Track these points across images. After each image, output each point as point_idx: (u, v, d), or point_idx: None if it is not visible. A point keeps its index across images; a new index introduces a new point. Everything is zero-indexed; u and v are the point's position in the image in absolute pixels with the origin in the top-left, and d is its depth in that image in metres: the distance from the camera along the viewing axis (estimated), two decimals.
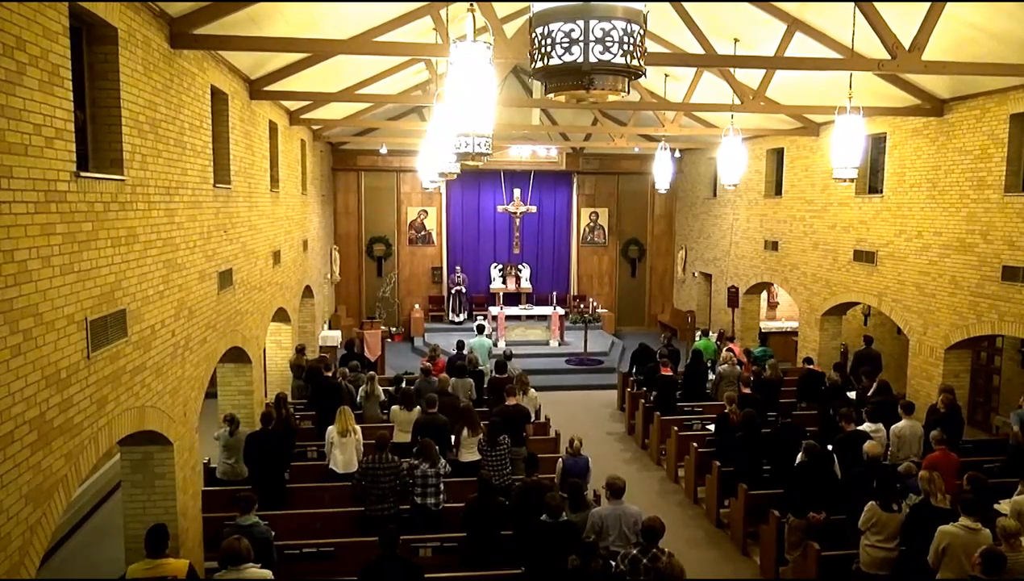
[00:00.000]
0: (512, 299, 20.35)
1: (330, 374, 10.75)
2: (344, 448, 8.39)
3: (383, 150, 19.17)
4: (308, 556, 6.98)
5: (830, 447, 8.25)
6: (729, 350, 12.94)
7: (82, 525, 9.02)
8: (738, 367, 11.93)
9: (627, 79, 2.69)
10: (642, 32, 2.65)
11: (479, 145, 6.39)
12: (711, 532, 9.10)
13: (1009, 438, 9.07)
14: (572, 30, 2.59)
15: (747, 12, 9.75)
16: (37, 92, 4.23)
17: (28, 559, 4.12)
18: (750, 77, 11.33)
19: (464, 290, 20.30)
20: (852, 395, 10.71)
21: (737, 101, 11.08)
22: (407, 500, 7.42)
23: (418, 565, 5.82)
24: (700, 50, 9.12)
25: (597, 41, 2.57)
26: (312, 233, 15.69)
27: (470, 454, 8.61)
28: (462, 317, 20.10)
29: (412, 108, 17.50)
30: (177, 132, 6.80)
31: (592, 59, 2.58)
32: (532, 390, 10.52)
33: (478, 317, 18.70)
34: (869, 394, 10.33)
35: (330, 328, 17.55)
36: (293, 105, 12.49)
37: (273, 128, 11.51)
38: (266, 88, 9.94)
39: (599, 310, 19.92)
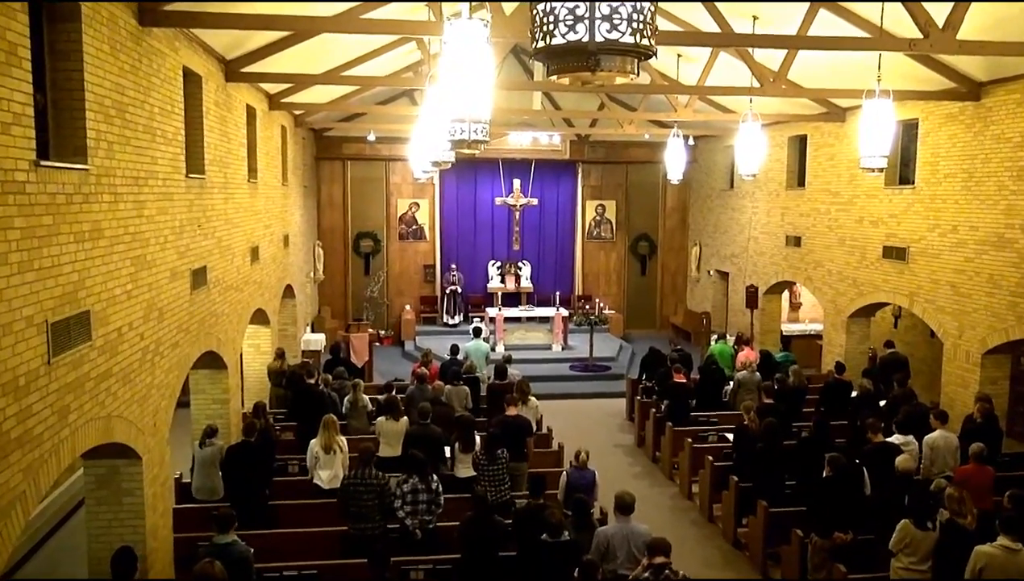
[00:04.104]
0: (511, 299, 20.35)
1: (313, 381, 10.74)
2: (328, 464, 8.38)
3: (371, 137, 19.16)
4: (289, 579, 6.97)
5: (858, 461, 8.24)
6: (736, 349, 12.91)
7: (42, 546, 9.00)
8: (757, 374, 11.93)
9: (636, 60, 2.69)
10: (652, 9, 2.65)
11: (476, 132, 6.39)
12: (728, 553, 9.10)
13: None
14: (576, 7, 2.59)
15: None
16: None
17: None
18: (770, 58, 11.33)
19: (459, 290, 20.30)
20: (883, 403, 10.70)
21: (756, 84, 11.08)
22: (394, 518, 7.41)
23: None
24: (716, 28, 9.12)
25: (604, 19, 2.57)
26: (294, 227, 15.68)
27: (467, 469, 8.60)
28: (457, 319, 20.09)
29: (403, 92, 17.49)
30: (146, 117, 6.79)
31: (598, 38, 2.58)
32: (533, 398, 10.51)
33: (475, 319, 18.70)
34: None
35: (313, 331, 17.53)
36: (273, 88, 12.48)
37: (251, 113, 11.50)
38: (243, 69, 9.93)
39: (606, 311, 19.90)
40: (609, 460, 11.83)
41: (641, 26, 2.61)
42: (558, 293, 19.52)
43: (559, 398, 15.05)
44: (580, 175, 21.60)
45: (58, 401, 5.04)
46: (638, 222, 22.07)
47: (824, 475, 7.64)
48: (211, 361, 9.52)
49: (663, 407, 11.91)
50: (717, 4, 9.19)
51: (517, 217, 20.98)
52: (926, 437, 8.71)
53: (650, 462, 12.13)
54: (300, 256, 16.75)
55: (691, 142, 19.17)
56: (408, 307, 20.63)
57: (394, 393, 10.29)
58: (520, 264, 21.19)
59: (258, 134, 11.91)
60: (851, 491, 7.52)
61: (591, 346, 17.45)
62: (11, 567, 8.18)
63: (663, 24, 11.36)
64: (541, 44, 2.69)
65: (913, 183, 12.31)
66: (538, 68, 15.29)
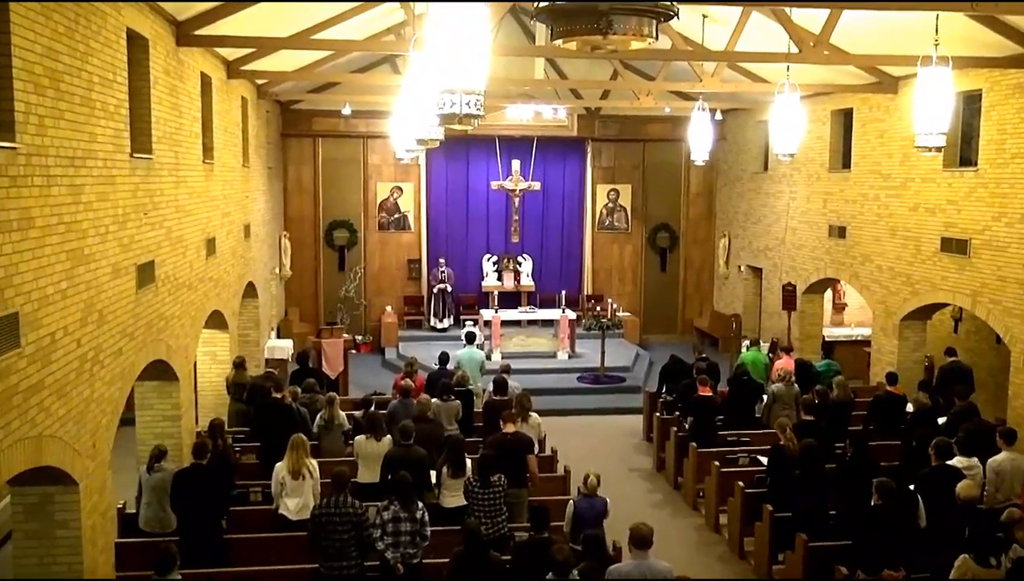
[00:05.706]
0: (510, 300, 20.36)
1: (279, 395, 10.75)
2: (297, 491, 8.38)
3: (346, 111, 19.13)
4: None
5: (912, 487, 8.25)
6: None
7: None
8: (796, 386, 11.95)
9: (655, 21, 2.68)
10: None
11: (468, 105, 6.38)
12: None
13: None
14: None
15: None
16: None
17: None
18: (811, 19, 11.33)
19: (449, 289, 20.31)
20: (942, 421, 10.70)
21: (794, 49, 11.08)
22: (373, 554, 7.41)
23: None
24: None
25: None
26: (256, 216, 15.68)
27: (456, 497, 8.60)
28: (447, 323, 20.11)
29: (383, 58, 17.50)
30: (84, 88, 6.79)
31: None
32: (535, 415, 10.52)
33: (467, 323, 18.66)
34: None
35: (279, 336, 17.55)
36: (232, 54, 12.46)
37: (206, 83, 11.51)
38: (197, 32, 9.91)
39: (619, 314, 19.92)
40: (623, 486, 11.85)
41: None
42: (564, 292, 19.51)
43: (565, 414, 15.05)
44: (589, 155, 21.59)
45: None
46: (657, 210, 22.06)
47: (872, 503, 7.65)
48: (160, 371, 9.52)
49: (686, 425, 11.92)
50: None
51: (516, 204, 20.97)
52: (991, 460, 8.72)
53: (671, 489, 12.14)
54: (264, 249, 16.75)
55: (718, 117, 19.17)
56: (389, 309, 20.63)
57: (373, 409, 10.28)
58: (520, 259, 21.18)
59: (215, 107, 11.91)
60: (903, 522, 7.53)
61: (602, 354, 17.46)
62: None
63: None
64: (544, 2, 2.68)
65: (976, 164, 12.31)
66: (541, 31, 15.27)
